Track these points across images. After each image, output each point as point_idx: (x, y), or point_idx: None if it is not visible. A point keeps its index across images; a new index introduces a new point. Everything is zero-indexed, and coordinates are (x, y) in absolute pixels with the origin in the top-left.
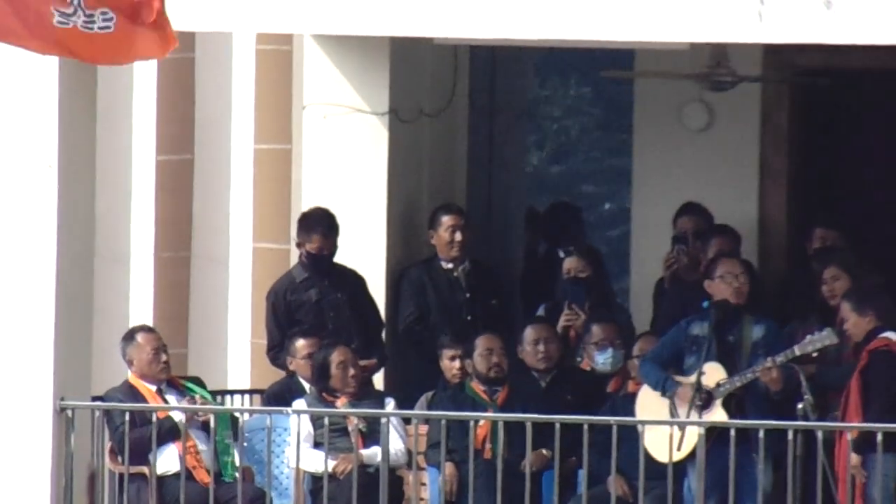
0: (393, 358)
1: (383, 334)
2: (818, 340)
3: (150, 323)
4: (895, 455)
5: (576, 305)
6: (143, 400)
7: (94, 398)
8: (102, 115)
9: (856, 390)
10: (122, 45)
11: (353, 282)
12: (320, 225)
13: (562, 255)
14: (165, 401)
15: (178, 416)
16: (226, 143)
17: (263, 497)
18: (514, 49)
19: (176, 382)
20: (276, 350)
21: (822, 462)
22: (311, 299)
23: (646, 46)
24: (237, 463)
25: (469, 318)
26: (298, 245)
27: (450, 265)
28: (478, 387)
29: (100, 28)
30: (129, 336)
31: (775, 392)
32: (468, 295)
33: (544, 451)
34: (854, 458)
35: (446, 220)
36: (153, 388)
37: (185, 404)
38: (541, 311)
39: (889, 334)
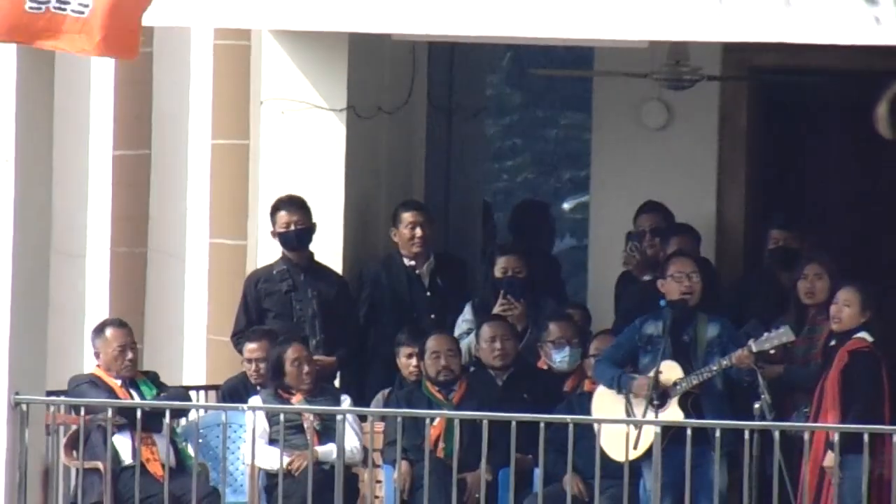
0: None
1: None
2: (775, 338)
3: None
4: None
5: (511, 297)
6: (109, 389)
7: (49, 393)
8: (59, 110)
9: (834, 390)
10: (92, 33)
11: (331, 281)
12: (283, 202)
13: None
14: (131, 395)
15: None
16: (183, 139)
17: (217, 493)
18: (472, 46)
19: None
20: (239, 335)
21: (779, 462)
22: (281, 290)
23: (605, 45)
24: (192, 455)
25: (433, 316)
26: (273, 235)
27: (412, 262)
28: (432, 387)
29: (73, 11)
30: (100, 329)
31: (747, 374)
32: (428, 294)
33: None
34: (830, 458)
35: (407, 216)
36: (118, 382)
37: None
38: (467, 312)
39: (863, 335)
